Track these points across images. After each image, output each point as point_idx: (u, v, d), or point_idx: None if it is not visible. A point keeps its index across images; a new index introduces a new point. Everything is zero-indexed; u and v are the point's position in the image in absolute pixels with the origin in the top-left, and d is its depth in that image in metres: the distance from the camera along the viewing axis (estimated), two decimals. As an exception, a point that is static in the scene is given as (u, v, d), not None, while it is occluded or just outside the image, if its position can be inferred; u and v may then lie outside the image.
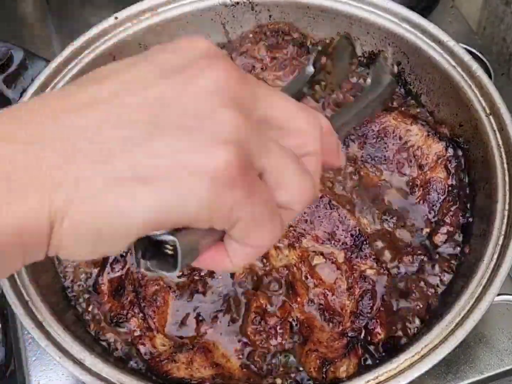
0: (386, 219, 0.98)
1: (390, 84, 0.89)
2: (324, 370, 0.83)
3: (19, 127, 0.36)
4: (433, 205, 0.99)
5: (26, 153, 0.34)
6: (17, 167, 0.34)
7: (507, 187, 0.89)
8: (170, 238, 0.40)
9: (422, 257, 0.94)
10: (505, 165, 0.91)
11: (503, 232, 0.86)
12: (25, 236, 0.35)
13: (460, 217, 0.97)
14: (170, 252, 0.41)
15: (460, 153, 1.03)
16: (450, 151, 1.02)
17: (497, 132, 0.94)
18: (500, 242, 0.85)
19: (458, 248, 0.95)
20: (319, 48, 0.85)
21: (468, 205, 0.99)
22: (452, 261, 0.94)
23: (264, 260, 0.93)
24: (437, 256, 0.95)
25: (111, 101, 0.37)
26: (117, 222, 0.36)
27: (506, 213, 0.87)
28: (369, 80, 0.87)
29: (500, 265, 0.82)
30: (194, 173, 0.36)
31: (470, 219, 0.97)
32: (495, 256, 0.84)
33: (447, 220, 0.97)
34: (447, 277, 0.93)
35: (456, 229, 0.96)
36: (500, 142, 0.93)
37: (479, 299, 0.80)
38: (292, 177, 0.42)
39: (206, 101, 0.38)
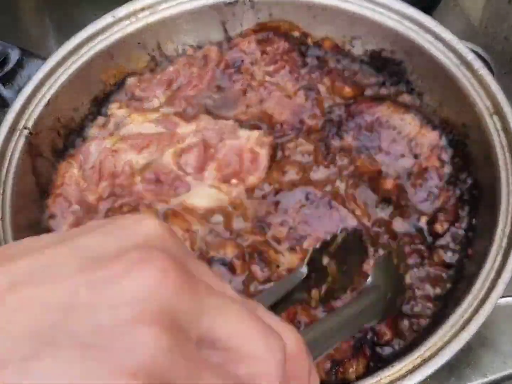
0: (383, 208, 0.97)
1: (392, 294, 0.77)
2: (333, 371, 0.82)
3: None
4: (430, 193, 0.99)
5: None
6: None
7: (511, 188, 0.88)
8: None
9: (420, 246, 0.94)
10: (509, 165, 0.90)
11: (507, 234, 0.84)
12: None
13: (459, 205, 0.97)
14: None
15: (456, 138, 1.02)
16: (444, 139, 1.02)
17: (500, 131, 0.93)
18: (504, 244, 0.84)
19: (457, 245, 0.95)
20: (317, 246, 0.74)
21: (467, 198, 0.98)
22: (451, 258, 0.94)
23: (264, 267, 0.92)
24: (439, 249, 0.94)
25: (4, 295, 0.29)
26: None
27: (510, 214, 0.86)
28: (369, 280, 0.76)
29: (504, 267, 0.81)
30: None
31: (472, 212, 0.97)
32: (499, 258, 0.83)
33: (446, 207, 0.97)
34: (448, 277, 0.92)
35: (456, 218, 0.96)
36: (504, 142, 0.92)
37: (482, 302, 0.79)
38: None
39: (125, 313, 0.29)
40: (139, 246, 0.32)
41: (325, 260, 0.75)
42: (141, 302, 0.29)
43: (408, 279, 0.90)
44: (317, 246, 0.74)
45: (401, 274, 0.85)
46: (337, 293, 0.78)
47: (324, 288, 0.75)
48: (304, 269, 0.71)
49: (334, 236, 0.77)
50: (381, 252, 0.90)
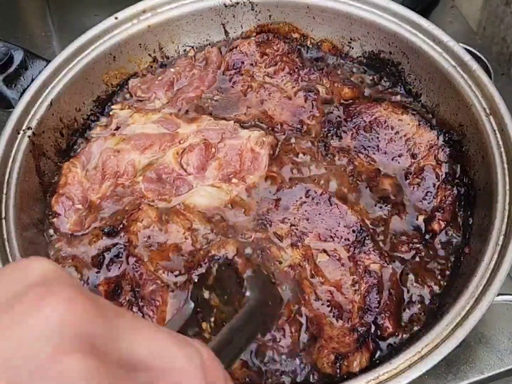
0: (381, 207, 0.99)
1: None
2: (337, 364, 0.83)
3: None
4: (427, 192, 1.00)
5: None
6: None
7: (507, 187, 0.89)
8: None
9: (418, 245, 0.95)
10: (505, 165, 0.91)
11: (503, 232, 0.86)
12: None
13: (456, 204, 0.98)
14: None
15: (453, 138, 1.03)
16: (442, 139, 1.03)
17: (497, 132, 0.94)
18: (500, 242, 0.85)
19: (455, 240, 0.96)
20: (196, 279, 0.79)
21: (464, 197, 1.00)
22: (450, 255, 0.95)
23: (268, 262, 0.93)
24: (436, 247, 0.95)
25: None
26: None
27: (506, 213, 0.87)
28: (247, 293, 0.78)
29: (500, 265, 0.82)
30: None
31: (468, 211, 0.98)
32: (495, 256, 0.84)
33: (443, 206, 0.98)
34: (445, 274, 0.94)
35: (453, 216, 0.97)
36: (500, 142, 0.93)
37: (479, 299, 0.80)
38: None
39: (41, 348, 0.29)
40: (38, 284, 0.32)
41: (206, 294, 0.79)
42: (55, 334, 0.30)
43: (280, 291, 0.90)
44: (196, 280, 0.78)
45: (274, 283, 0.89)
46: (226, 321, 0.79)
47: (212, 319, 0.78)
48: (191, 303, 0.74)
49: (209, 268, 0.81)
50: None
